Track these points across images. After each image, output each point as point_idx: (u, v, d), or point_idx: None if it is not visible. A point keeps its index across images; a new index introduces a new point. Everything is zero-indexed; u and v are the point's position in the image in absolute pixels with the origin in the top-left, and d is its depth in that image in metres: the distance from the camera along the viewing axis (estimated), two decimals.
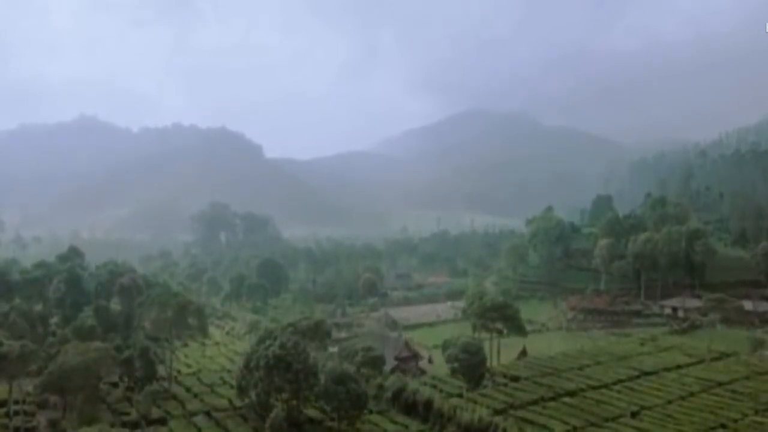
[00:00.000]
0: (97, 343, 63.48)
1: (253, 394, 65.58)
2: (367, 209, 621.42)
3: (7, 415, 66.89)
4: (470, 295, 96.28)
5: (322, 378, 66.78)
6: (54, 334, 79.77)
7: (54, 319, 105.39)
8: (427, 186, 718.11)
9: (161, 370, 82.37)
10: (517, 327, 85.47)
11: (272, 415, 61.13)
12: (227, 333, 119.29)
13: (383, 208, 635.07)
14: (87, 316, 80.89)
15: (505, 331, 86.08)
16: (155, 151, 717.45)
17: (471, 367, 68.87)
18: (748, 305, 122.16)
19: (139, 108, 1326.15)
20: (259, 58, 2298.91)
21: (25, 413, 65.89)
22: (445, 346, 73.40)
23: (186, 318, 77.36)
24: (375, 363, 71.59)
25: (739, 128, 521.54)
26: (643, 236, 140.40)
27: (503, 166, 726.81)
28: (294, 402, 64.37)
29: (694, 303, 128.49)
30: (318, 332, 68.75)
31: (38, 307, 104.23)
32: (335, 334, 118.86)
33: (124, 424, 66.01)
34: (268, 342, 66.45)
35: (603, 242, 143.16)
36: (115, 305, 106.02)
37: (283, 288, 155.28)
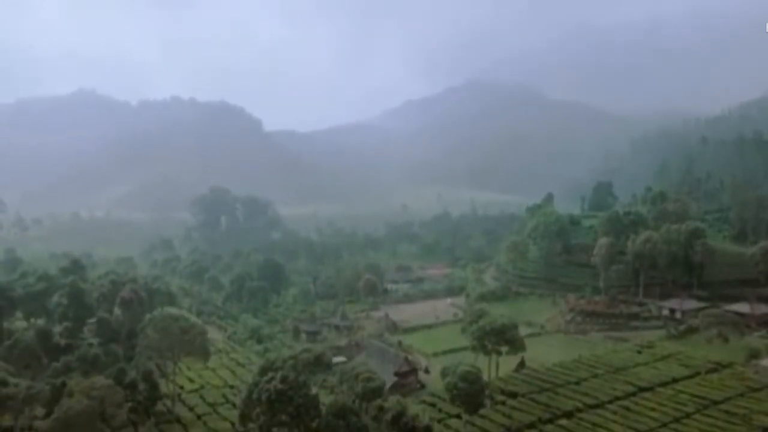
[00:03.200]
0: (102, 380, 64.30)
1: (255, 428, 66.77)
2: (367, 185, 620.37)
3: None
4: (469, 314, 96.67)
5: (323, 409, 68.11)
6: (58, 357, 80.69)
7: (57, 329, 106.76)
8: (428, 160, 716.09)
9: (164, 385, 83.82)
10: (517, 348, 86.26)
11: None
12: (229, 337, 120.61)
13: (383, 184, 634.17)
14: (90, 343, 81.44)
15: (503, 352, 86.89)
16: (154, 125, 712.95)
17: (470, 395, 69.88)
18: (744, 308, 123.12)
19: (138, 81, 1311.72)
20: (259, 32, 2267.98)
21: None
22: (444, 374, 74.22)
23: (188, 342, 78.14)
24: (375, 393, 72.52)
25: (742, 102, 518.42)
26: (642, 236, 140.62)
27: (505, 139, 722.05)
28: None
29: (691, 304, 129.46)
30: (319, 365, 69.69)
31: (41, 321, 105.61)
32: (336, 337, 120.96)
33: None
34: (270, 374, 67.41)
35: (602, 241, 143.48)
36: (118, 313, 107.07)
37: (283, 287, 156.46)
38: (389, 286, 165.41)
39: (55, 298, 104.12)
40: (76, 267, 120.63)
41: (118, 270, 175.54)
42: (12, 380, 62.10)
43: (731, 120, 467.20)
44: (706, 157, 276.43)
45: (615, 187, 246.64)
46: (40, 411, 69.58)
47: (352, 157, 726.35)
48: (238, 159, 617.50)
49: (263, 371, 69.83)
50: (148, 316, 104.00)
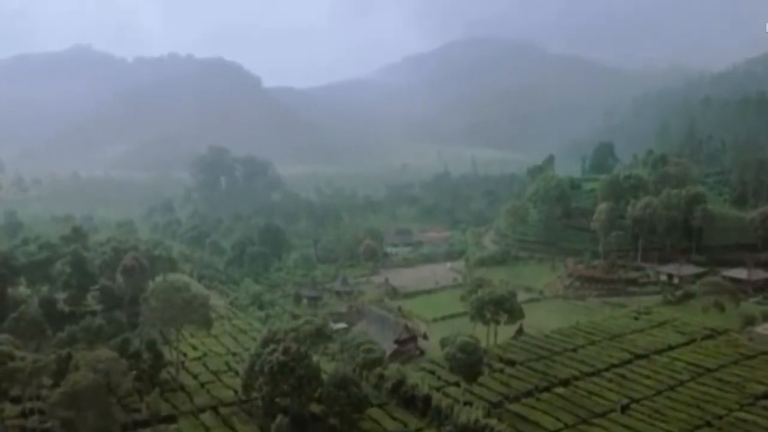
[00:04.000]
0: (107, 352, 65.42)
1: (258, 397, 68.30)
2: (366, 143, 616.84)
3: (22, 414, 70.10)
4: (469, 283, 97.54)
5: (325, 377, 69.61)
6: (62, 327, 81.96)
7: (61, 296, 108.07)
8: (428, 116, 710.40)
9: (167, 353, 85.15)
10: (515, 317, 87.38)
11: (277, 421, 63.75)
12: (231, 303, 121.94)
13: (383, 141, 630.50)
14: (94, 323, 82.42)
15: (502, 322, 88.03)
16: (151, 82, 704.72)
17: (468, 365, 71.12)
18: (742, 273, 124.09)
19: (134, 38, 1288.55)
20: None
21: (40, 412, 68.94)
22: (443, 344, 75.46)
23: (191, 313, 79.13)
24: (375, 363, 73.89)
25: (748, 58, 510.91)
26: (642, 201, 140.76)
27: (506, 95, 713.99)
28: (297, 404, 66.93)
29: (689, 269, 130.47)
30: (320, 336, 70.80)
31: (44, 289, 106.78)
32: (336, 303, 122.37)
33: (135, 423, 69.38)
34: (272, 346, 68.57)
35: (602, 206, 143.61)
36: (121, 280, 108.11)
37: (284, 251, 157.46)
38: (389, 250, 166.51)
39: (58, 267, 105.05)
40: (77, 235, 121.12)
41: (119, 235, 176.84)
42: (18, 353, 63.13)
43: (736, 77, 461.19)
44: (709, 118, 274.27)
45: (616, 146, 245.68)
46: (47, 380, 71.06)
47: (350, 113, 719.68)
48: (236, 116, 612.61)
49: (265, 343, 70.98)
50: (150, 286, 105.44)
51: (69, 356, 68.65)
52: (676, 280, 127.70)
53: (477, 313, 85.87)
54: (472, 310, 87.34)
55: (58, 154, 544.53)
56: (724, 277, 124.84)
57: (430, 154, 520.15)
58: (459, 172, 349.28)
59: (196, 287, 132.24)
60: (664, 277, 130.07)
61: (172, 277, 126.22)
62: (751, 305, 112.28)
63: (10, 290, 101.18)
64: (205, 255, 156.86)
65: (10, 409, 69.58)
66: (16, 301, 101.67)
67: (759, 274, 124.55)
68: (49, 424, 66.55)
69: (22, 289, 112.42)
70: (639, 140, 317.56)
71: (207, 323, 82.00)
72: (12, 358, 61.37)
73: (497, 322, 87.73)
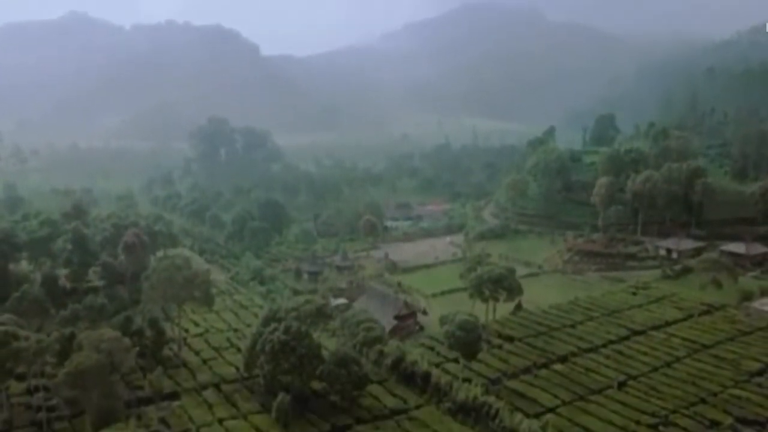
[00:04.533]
0: (109, 332, 66.02)
1: (260, 375, 69.20)
2: (366, 112, 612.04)
3: (27, 391, 71.19)
4: (469, 259, 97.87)
5: (326, 354, 70.51)
6: (65, 305, 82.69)
7: (63, 272, 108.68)
8: (429, 84, 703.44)
9: (169, 329, 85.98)
10: (514, 295, 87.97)
11: (278, 399, 64.71)
12: (231, 278, 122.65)
13: (383, 110, 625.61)
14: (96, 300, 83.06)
15: (501, 299, 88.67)
16: (148, 50, 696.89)
17: (467, 343, 71.92)
18: (740, 248, 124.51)
19: (131, 5, 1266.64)
20: None
21: (45, 389, 70.00)
22: (442, 321, 76.17)
23: (192, 290, 79.69)
24: (375, 341, 74.69)
25: (752, 26, 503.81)
26: (642, 175, 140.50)
27: (507, 63, 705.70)
28: (299, 382, 67.83)
29: (688, 244, 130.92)
30: (321, 315, 71.42)
31: (47, 264, 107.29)
32: (337, 278, 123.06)
33: (139, 400, 70.48)
34: (273, 325, 69.24)
35: (602, 180, 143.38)
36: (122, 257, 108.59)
37: (285, 226, 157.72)
38: (389, 224, 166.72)
39: (59, 244, 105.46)
40: (78, 212, 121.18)
41: (119, 209, 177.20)
42: (22, 333, 63.76)
43: (740, 45, 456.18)
44: (713, 88, 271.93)
45: (618, 115, 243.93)
46: (51, 358, 71.78)
47: (350, 81, 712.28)
48: (234, 84, 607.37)
49: (266, 321, 71.69)
50: (152, 262, 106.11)
51: (72, 335, 69.33)
52: (675, 255, 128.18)
53: (476, 291, 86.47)
54: (471, 288, 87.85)
55: (55, 124, 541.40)
56: (723, 252, 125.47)
57: (430, 123, 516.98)
58: (459, 143, 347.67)
59: (197, 262, 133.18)
60: (663, 252, 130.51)
61: (173, 252, 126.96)
62: (748, 280, 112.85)
63: (12, 266, 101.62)
64: (206, 229, 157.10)
65: (15, 386, 70.71)
66: (18, 278, 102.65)
67: (757, 249, 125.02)
68: (54, 402, 67.76)
69: (24, 265, 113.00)
70: (641, 110, 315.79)
71: (208, 300, 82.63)
72: (16, 338, 61.94)
73: (496, 300, 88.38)
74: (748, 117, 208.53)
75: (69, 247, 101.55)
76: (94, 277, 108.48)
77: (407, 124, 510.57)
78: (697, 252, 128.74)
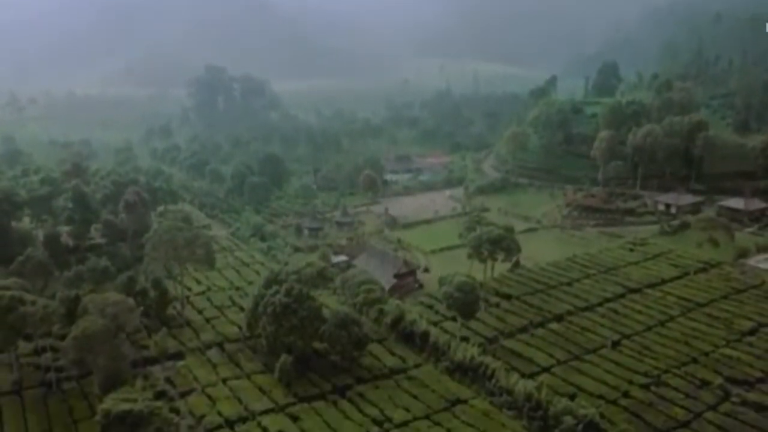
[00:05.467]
0: (114, 295, 67.20)
1: (262, 336, 70.75)
2: (367, 55, 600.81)
3: (35, 352, 72.85)
4: (468, 218, 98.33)
5: (327, 313, 71.92)
6: (69, 266, 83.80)
7: (64, 229, 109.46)
8: (430, 27, 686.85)
9: (172, 288, 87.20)
10: (512, 254, 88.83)
11: (281, 359, 66.41)
12: (232, 234, 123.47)
13: (383, 54, 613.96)
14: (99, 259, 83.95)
15: (500, 259, 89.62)
16: None
17: (465, 304, 73.24)
18: (739, 203, 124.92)
19: None
20: None
21: (52, 349, 71.61)
22: (441, 283, 77.29)
23: (194, 251, 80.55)
24: (375, 302, 75.98)
25: None
26: (643, 129, 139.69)
27: (511, 4, 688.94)
28: (300, 342, 69.40)
29: (687, 199, 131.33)
30: (322, 278, 72.43)
31: (48, 221, 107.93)
32: (337, 234, 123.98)
33: (145, 360, 72.32)
34: (274, 288, 70.38)
35: (603, 134, 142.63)
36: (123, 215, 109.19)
37: (284, 180, 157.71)
38: (389, 178, 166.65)
39: (60, 202, 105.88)
40: (78, 170, 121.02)
41: (119, 162, 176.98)
42: (28, 297, 64.85)
43: None
44: (718, 35, 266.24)
45: (621, 61, 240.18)
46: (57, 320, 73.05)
47: (350, 24, 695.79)
48: (230, 28, 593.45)
49: (268, 284, 72.82)
50: (153, 218, 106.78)
51: (77, 298, 70.53)
52: (673, 210, 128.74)
53: (474, 251, 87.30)
54: (469, 248, 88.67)
55: (51, 71, 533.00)
56: (721, 207, 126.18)
57: (431, 68, 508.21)
58: (461, 90, 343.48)
59: (198, 217, 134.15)
60: (661, 207, 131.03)
61: (173, 208, 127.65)
62: (745, 236, 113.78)
63: (13, 224, 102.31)
64: (205, 183, 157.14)
65: (23, 346, 72.25)
66: (20, 235, 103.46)
67: (756, 204, 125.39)
68: (62, 362, 69.41)
69: (26, 222, 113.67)
70: (646, 56, 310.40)
71: (209, 261, 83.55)
72: (22, 302, 63.05)
73: (494, 260, 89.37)
74: (753, 67, 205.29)
75: (70, 205, 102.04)
76: (95, 234, 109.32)
77: (408, 69, 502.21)
78: (696, 207, 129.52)
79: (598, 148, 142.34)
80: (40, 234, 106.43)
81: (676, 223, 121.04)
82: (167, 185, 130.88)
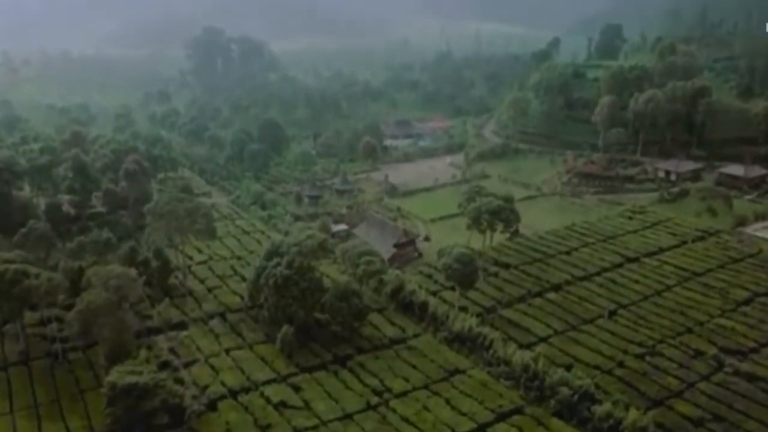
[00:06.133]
0: (117, 268, 67.91)
1: (264, 307, 71.77)
2: (366, 13, 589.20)
3: (41, 322, 73.97)
4: (468, 190, 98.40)
5: (327, 282, 72.82)
6: (71, 237, 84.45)
7: (65, 197, 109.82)
8: None
9: (173, 257, 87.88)
10: (511, 225, 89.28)
11: (283, 330, 67.52)
12: (233, 201, 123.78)
13: (384, 12, 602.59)
14: (99, 226, 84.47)
15: (498, 230, 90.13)
16: None
17: (464, 275, 74.05)
18: (739, 170, 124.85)
19: None
20: None
21: (58, 320, 72.68)
22: (440, 254, 77.95)
23: (194, 222, 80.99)
24: (375, 274, 76.78)
25: None
26: (645, 95, 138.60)
27: None
28: (302, 313, 70.46)
29: (688, 165, 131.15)
30: (322, 250, 73.05)
31: (49, 190, 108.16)
32: (337, 201, 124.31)
33: (148, 330, 73.50)
34: (276, 260, 71.04)
35: (605, 100, 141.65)
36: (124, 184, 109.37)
37: (284, 147, 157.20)
38: (389, 143, 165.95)
39: (61, 171, 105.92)
40: (77, 139, 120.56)
41: (117, 128, 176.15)
42: (33, 270, 65.59)
43: None
44: None
45: (624, 22, 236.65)
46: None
47: None
48: None
49: (269, 255, 73.40)
50: (154, 189, 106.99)
51: (81, 269, 71.29)
52: (673, 177, 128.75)
53: (474, 222, 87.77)
54: (469, 219, 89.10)
55: (45, 30, 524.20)
56: (721, 174, 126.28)
57: (432, 28, 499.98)
58: (462, 51, 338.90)
59: (198, 184, 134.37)
60: (661, 174, 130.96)
61: (173, 175, 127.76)
62: (744, 203, 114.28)
63: (14, 193, 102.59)
64: (205, 149, 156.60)
65: (28, 316, 73.29)
66: (21, 203, 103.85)
67: (756, 171, 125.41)
68: (67, 333, 70.53)
69: (27, 191, 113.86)
70: (650, 17, 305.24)
71: (211, 232, 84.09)
72: (27, 275, 63.83)
73: (493, 231, 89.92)
74: (758, 29, 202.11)
75: (70, 174, 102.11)
76: (96, 202, 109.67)
77: (408, 29, 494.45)
78: (696, 174, 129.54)
79: (599, 114, 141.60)
80: (41, 202, 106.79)
81: (675, 190, 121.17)
82: (167, 152, 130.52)
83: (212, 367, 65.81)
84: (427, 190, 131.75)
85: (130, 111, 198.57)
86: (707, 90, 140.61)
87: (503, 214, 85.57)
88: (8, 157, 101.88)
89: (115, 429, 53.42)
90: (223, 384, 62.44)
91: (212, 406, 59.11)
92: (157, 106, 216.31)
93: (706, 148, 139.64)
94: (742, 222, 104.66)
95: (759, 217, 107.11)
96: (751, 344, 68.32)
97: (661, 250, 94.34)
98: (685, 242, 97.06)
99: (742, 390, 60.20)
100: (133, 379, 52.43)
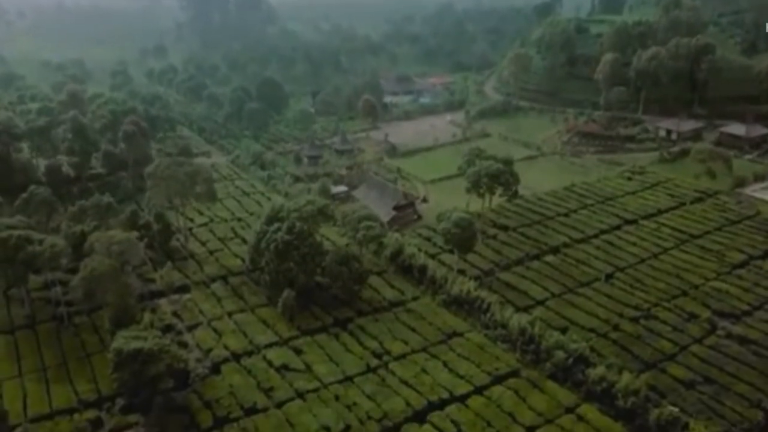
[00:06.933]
0: (120, 234, 68.47)
1: (265, 272, 72.64)
2: None
3: (45, 286, 75.00)
4: (467, 153, 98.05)
5: (328, 245, 73.51)
6: (72, 201, 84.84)
7: (64, 159, 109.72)
8: None
9: (174, 219, 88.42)
10: (511, 187, 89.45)
11: (284, 294, 68.58)
12: (232, 161, 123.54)
13: None
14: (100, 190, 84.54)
15: (497, 193, 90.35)
16: None
17: (462, 239, 74.75)
18: (740, 129, 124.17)
19: None
20: None
21: (62, 283, 73.71)
22: (439, 219, 78.40)
23: (195, 186, 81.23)
24: (375, 239, 77.38)
25: None
26: (648, 52, 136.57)
27: None
28: (303, 277, 71.42)
29: (689, 125, 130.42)
30: (323, 215, 73.41)
31: (48, 151, 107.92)
32: (337, 161, 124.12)
33: (151, 293, 74.63)
34: (276, 225, 71.58)
35: (607, 57, 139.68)
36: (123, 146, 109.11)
37: (283, 105, 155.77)
38: (388, 99, 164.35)
39: (60, 133, 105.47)
40: (74, 99, 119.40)
41: (114, 85, 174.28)
42: (36, 236, 66.21)
43: None
44: None
45: None
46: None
47: None
48: None
49: (269, 220, 73.91)
50: (152, 148, 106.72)
51: (83, 234, 71.89)
52: (674, 136, 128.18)
53: (473, 186, 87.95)
54: (468, 183, 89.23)
55: None
56: (722, 133, 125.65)
57: None
58: (463, 2, 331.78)
59: (197, 143, 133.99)
60: (662, 133, 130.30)
61: (172, 135, 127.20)
62: (744, 163, 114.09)
63: (14, 156, 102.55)
64: (203, 107, 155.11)
65: (33, 279, 74.22)
66: (21, 165, 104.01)
67: (757, 130, 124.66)
68: (72, 296, 71.60)
69: (26, 152, 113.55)
70: None
71: (211, 196, 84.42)
72: (30, 241, 64.48)
73: (493, 194, 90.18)
74: None
75: (69, 136, 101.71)
76: (96, 163, 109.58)
77: None
78: (697, 133, 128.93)
79: (602, 71, 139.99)
80: (40, 164, 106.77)
81: (675, 150, 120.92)
82: (165, 112, 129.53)
83: (215, 331, 67.17)
84: (427, 149, 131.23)
85: (127, 67, 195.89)
86: (711, 47, 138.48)
87: (503, 178, 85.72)
88: (7, 119, 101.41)
89: (123, 393, 54.95)
90: (226, 347, 63.83)
91: (216, 369, 60.60)
92: (154, 62, 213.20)
93: (708, 107, 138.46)
94: (741, 183, 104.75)
95: (758, 178, 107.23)
96: (745, 307, 69.42)
97: (660, 212, 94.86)
98: (683, 204, 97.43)
99: (734, 353, 61.53)
100: (138, 344, 53.53)
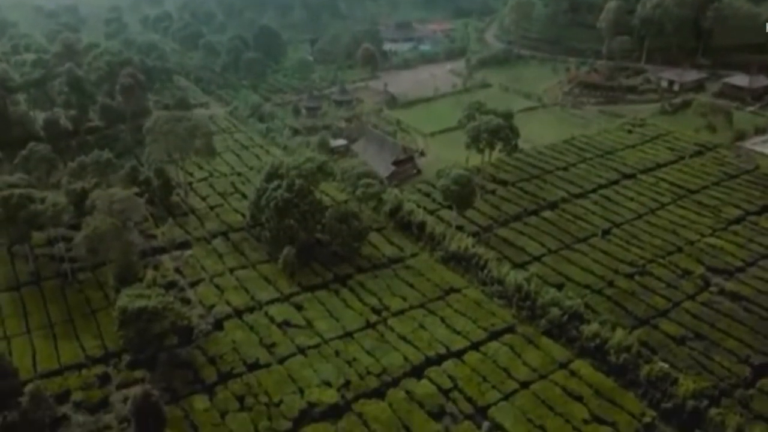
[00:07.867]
0: (121, 192, 68.91)
1: (266, 228, 73.38)
2: None
3: (48, 242, 75.91)
4: (467, 107, 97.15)
5: (327, 201, 74.01)
6: (72, 157, 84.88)
7: (62, 112, 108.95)
8: None
9: (174, 174, 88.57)
10: (511, 143, 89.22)
11: (285, 252, 69.53)
12: (230, 113, 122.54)
13: None
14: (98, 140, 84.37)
15: (497, 149, 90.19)
16: None
17: (461, 196, 75.19)
18: (743, 80, 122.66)
19: None
20: None
21: (65, 239, 74.58)
22: (438, 176, 78.63)
23: (194, 141, 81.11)
24: (374, 196, 77.79)
25: None
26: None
27: None
28: (303, 234, 72.24)
29: (691, 75, 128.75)
30: (322, 172, 73.48)
31: (44, 103, 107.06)
32: (336, 112, 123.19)
33: (153, 250, 75.57)
34: (276, 182, 71.89)
35: (611, 5, 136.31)
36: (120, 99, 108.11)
37: (281, 54, 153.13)
38: (388, 47, 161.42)
39: (56, 86, 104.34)
40: (69, 51, 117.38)
41: (109, 33, 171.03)
42: (37, 195, 66.64)
43: None
44: None
45: None
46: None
47: None
48: None
49: (269, 177, 74.15)
50: (150, 106, 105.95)
51: (84, 191, 72.29)
52: (676, 87, 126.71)
53: (473, 141, 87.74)
54: (468, 138, 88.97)
55: None
56: (725, 84, 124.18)
57: None
58: None
59: (194, 94, 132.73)
60: (664, 83, 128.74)
61: (170, 86, 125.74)
62: (746, 115, 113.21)
63: (11, 109, 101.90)
64: (200, 57, 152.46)
65: (36, 236, 75.03)
66: (18, 117, 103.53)
67: (761, 81, 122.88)
68: (75, 252, 72.58)
69: (23, 105, 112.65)
70: None
71: (210, 152, 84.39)
72: (31, 200, 64.95)
73: (492, 149, 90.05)
74: None
75: (65, 89, 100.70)
76: (94, 116, 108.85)
77: None
78: (700, 84, 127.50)
79: (605, 19, 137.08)
80: (38, 117, 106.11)
81: (677, 101, 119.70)
82: (161, 62, 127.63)
83: (217, 287, 68.43)
84: (426, 100, 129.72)
85: (121, 14, 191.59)
86: None
87: (502, 133, 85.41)
88: (2, 71, 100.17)
89: (128, 349, 56.53)
90: (228, 303, 65.21)
91: (218, 325, 62.14)
92: (148, 8, 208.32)
93: (713, 57, 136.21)
94: (741, 136, 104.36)
95: (759, 131, 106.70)
96: (738, 263, 70.41)
97: (658, 166, 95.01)
98: (682, 158, 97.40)
99: (725, 309, 62.88)
100: (142, 303, 54.73)
